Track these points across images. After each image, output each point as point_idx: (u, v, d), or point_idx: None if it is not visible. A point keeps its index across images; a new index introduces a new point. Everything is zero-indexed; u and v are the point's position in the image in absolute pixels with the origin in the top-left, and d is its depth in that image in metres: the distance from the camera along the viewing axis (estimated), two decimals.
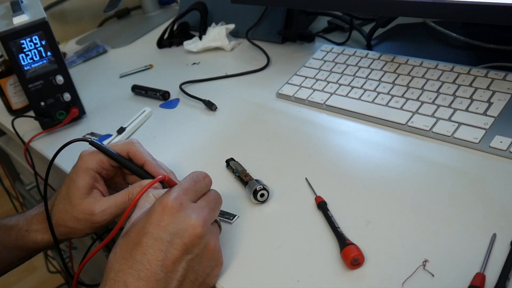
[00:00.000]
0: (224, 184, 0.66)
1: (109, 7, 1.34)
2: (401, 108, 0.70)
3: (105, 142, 0.81)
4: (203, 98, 0.86)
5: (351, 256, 0.49)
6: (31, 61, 0.83)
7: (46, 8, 1.34)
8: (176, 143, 0.78)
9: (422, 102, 0.69)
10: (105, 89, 1.03)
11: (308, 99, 0.78)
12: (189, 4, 1.15)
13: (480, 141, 0.61)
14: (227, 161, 0.69)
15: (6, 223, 0.65)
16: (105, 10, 1.34)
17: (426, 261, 0.48)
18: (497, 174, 0.57)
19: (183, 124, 0.83)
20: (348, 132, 0.71)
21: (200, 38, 1.07)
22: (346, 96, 0.76)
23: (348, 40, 0.94)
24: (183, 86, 0.93)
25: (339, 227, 0.54)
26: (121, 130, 0.83)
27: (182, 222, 0.48)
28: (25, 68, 0.83)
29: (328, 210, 0.57)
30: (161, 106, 0.91)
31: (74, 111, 0.89)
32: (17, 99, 0.99)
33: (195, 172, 0.54)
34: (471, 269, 0.46)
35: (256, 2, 0.96)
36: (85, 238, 0.66)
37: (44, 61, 0.84)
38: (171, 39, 1.14)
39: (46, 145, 0.87)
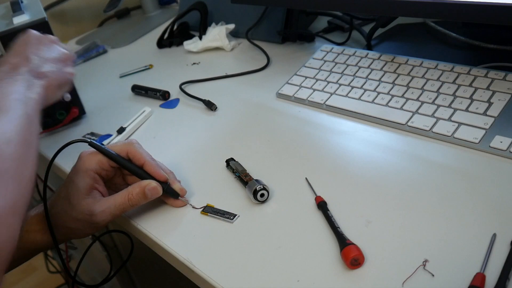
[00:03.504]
0: (224, 184, 0.66)
1: (109, 7, 1.34)
2: (401, 108, 0.70)
3: (105, 142, 0.81)
4: (203, 98, 0.86)
5: (351, 256, 0.49)
6: None
7: (46, 8, 1.34)
8: (176, 143, 0.78)
9: (422, 102, 0.69)
10: (105, 89, 1.04)
11: (308, 99, 0.78)
12: (189, 4, 1.15)
13: (480, 141, 0.61)
14: (227, 161, 0.69)
15: None
16: (105, 10, 1.34)
17: (426, 261, 0.48)
18: (497, 174, 0.57)
19: (183, 124, 0.83)
20: (348, 132, 0.71)
21: (200, 38, 1.07)
22: (346, 96, 0.76)
23: (348, 40, 0.94)
24: (183, 86, 0.93)
25: (339, 227, 0.54)
26: (121, 130, 0.83)
27: None
28: None
29: (328, 210, 0.57)
30: (161, 106, 0.91)
31: (74, 111, 0.89)
32: None
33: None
34: (471, 269, 0.46)
35: (256, 2, 0.96)
36: (84, 238, 0.66)
37: None
38: (171, 39, 1.14)
39: (46, 145, 0.87)
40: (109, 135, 0.84)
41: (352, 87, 0.77)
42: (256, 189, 0.60)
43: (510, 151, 0.58)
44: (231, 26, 1.05)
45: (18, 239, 0.63)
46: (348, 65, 0.82)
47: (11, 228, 0.45)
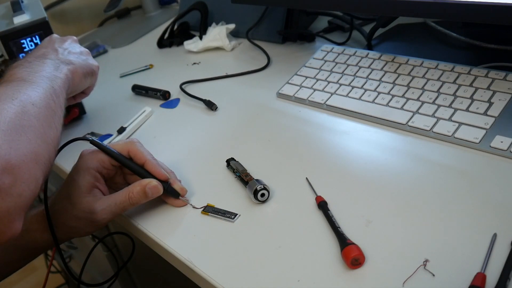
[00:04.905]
0: (224, 184, 0.66)
1: (110, 7, 1.34)
2: (401, 108, 0.70)
3: (105, 142, 0.80)
4: (203, 98, 0.86)
5: (351, 256, 0.49)
6: None
7: (47, 8, 1.34)
8: (176, 143, 0.78)
9: (423, 102, 0.69)
10: (105, 89, 1.03)
11: (309, 99, 0.78)
12: (190, 4, 1.15)
13: (480, 141, 0.61)
14: (228, 161, 0.69)
15: None
16: (105, 10, 1.34)
17: (426, 260, 0.48)
18: (497, 174, 0.57)
19: (184, 124, 0.83)
20: (348, 132, 0.71)
21: (201, 38, 1.07)
22: (347, 96, 0.76)
23: (349, 40, 0.94)
24: (183, 86, 0.93)
25: (339, 227, 0.54)
26: (121, 130, 0.83)
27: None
28: None
29: (329, 210, 0.57)
30: (161, 106, 0.91)
31: (75, 110, 0.89)
32: None
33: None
34: (472, 269, 0.46)
35: (256, 2, 0.96)
36: (85, 237, 0.66)
37: None
38: (172, 39, 1.14)
39: None
40: (109, 135, 0.84)
41: (353, 87, 0.77)
42: (256, 189, 0.60)
43: (510, 151, 0.58)
44: (232, 26, 1.05)
45: (20, 235, 0.63)
46: (348, 65, 0.82)
47: (32, 173, 0.49)
